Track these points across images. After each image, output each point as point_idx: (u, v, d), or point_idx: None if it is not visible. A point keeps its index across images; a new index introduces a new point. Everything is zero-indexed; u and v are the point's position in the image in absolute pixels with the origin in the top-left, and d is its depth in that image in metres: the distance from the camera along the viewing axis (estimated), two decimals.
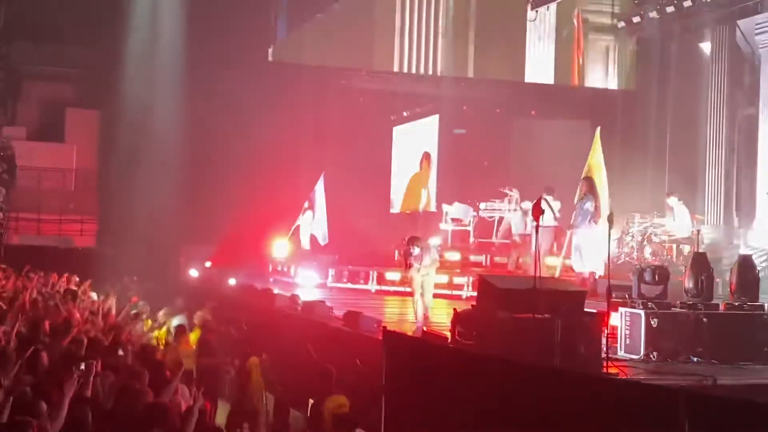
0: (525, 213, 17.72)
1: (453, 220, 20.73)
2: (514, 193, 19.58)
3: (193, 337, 12.88)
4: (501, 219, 19.65)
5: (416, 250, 12.39)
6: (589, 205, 13.79)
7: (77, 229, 25.11)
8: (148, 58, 22.33)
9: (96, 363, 7.07)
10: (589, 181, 14.11)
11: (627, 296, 10.22)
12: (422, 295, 12.51)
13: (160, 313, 14.58)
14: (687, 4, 21.48)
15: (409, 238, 12.81)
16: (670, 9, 22.10)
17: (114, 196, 23.19)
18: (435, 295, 15.70)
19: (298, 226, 20.45)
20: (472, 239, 19.98)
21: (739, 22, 21.16)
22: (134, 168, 22.14)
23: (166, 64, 21.90)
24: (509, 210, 19.42)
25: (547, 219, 15.42)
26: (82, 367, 6.82)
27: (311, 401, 9.76)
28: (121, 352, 9.03)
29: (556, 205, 15.91)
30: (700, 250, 14.08)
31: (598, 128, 14.88)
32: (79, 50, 24.79)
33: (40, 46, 25.25)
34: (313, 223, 20.08)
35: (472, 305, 9.96)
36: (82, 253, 22.99)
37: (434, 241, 16.59)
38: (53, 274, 16.62)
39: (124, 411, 6.26)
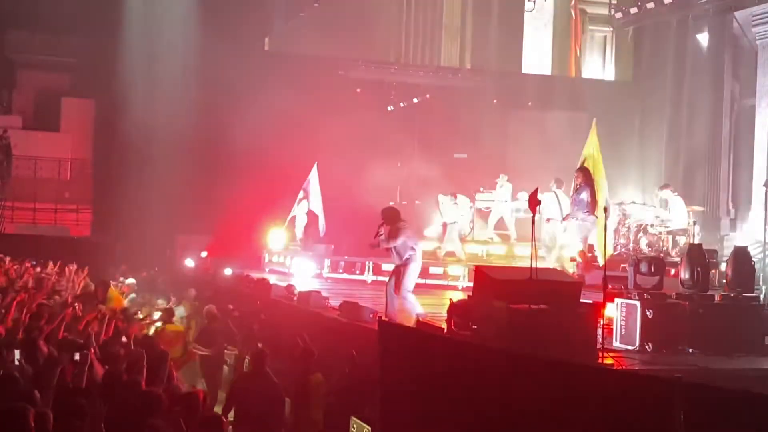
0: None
1: None
2: (507, 185, 19.63)
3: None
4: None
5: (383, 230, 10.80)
6: (584, 195, 13.73)
7: (72, 218, 25.08)
8: (144, 48, 22.27)
9: (91, 353, 7.06)
10: (585, 172, 14.07)
11: (623, 287, 10.22)
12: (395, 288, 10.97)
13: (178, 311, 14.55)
14: None
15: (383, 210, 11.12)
16: (667, 0, 22.10)
17: (109, 186, 23.16)
18: (431, 286, 15.74)
19: (294, 216, 20.47)
20: (468, 230, 19.98)
21: (736, 14, 21.17)
22: (130, 157, 22.10)
23: (162, 53, 21.84)
24: (504, 201, 19.50)
25: (555, 213, 15.40)
26: (77, 357, 6.82)
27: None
28: (124, 339, 9.04)
29: (565, 199, 15.79)
30: (696, 242, 14.10)
31: (594, 120, 14.83)
32: (75, 39, 24.72)
33: (35, 35, 25.18)
34: (311, 213, 20.19)
35: (468, 296, 9.97)
36: (77, 243, 22.98)
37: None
38: (50, 264, 16.61)
39: (118, 400, 6.25)
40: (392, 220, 11.01)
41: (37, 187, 24.79)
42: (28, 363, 7.37)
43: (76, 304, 11.26)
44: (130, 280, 18.01)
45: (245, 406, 9.40)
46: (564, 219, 14.35)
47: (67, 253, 18.41)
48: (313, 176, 19.93)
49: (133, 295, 16.57)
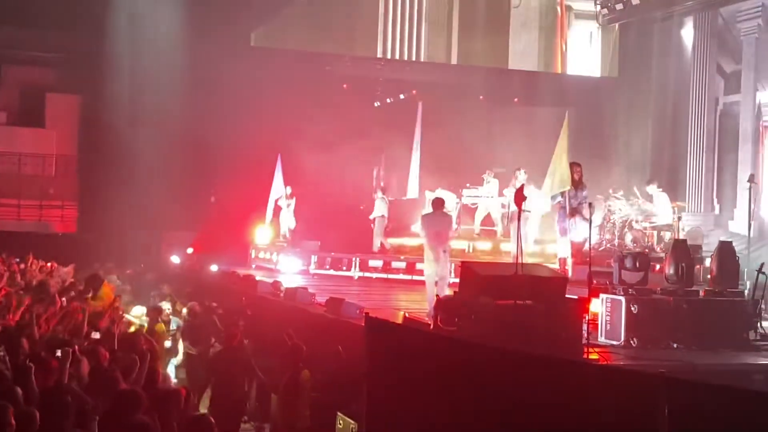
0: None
1: None
2: (494, 181, 19.67)
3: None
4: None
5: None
6: (586, 192, 13.59)
7: (57, 215, 24.96)
8: (129, 44, 22.15)
9: (73, 349, 7.02)
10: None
11: (608, 283, 10.26)
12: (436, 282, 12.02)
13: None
14: None
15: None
16: None
17: (95, 182, 23.05)
18: (415, 282, 15.76)
19: (280, 212, 20.53)
20: (455, 226, 19.98)
21: (722, 10, 21.25)
22: (115, 153, 22.00)
23: (147, 49, 21.73)
24: (490, 197, 19.53)
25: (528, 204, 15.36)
26: (59, 353, 6.78)
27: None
28: (96, 335, 8.96)
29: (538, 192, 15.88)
30: (681, 237, 14.14)
31: (567, 112, 14.51)
32: (60, 35, 24.56)
33: (20, 31, 24.98)
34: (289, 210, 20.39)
35: (455, 292, 9.98)
36: (62, 239, 22.88)
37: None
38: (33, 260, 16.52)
39: (101, 397, 6.22)
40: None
41: (22, 184, 24.67)
42: (10, 359, 7.33)
43: (63, 299, 11.22)
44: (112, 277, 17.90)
45: (218, 380, 10.04)
46: (571, 215, 13.46)
47: (52, 251, 18.32)
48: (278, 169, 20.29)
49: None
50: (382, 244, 19.25)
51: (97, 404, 6.02)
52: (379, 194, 20.07)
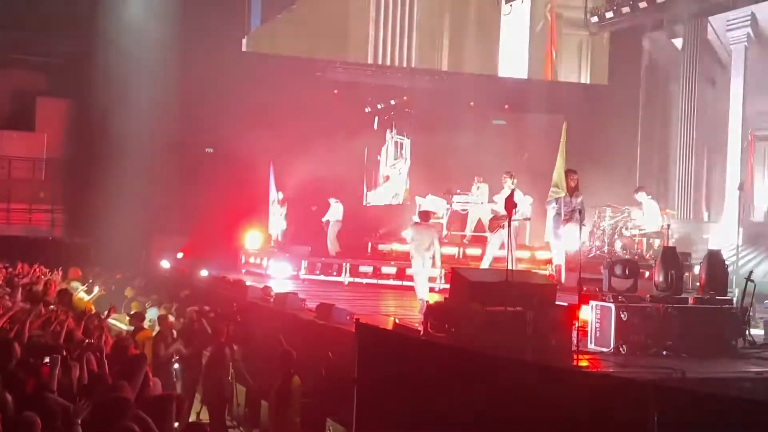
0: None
1: None
2: (484, 187, 19.70)
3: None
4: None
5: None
6: (581, 200, 13.61)
7: (47, 218, 24.86)
8: (120, 48, 22.12)
9: (61, 356, 6.99)
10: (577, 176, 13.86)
11: (597, 290, 10.28)
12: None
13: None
14: None
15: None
16: (642, 4, 22.30)
17: (85, 186, 22.97)
18: (405, 287, 15.78)
19: (272, 217, 20.50)
20: (445, 232, 20.02)
21: (711, 19, 21.37)
22: (105, 158, 21.95)
23: (139, 53, 21.71)
24: (480, 203, 19.55)
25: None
26: (47, 360, 6.76)
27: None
28: (86, 342, 8.93)
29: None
30: (670, 245, 14.18)
31: (565, 123, 14.61)
32: (51, 39, 24.48)
33: (10, 34, 24.91)
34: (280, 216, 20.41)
35: (445, 298, 9.99)
36: (51, 243, 22.80)
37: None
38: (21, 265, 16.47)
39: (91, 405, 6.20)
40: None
41: (12, 188, 24.56)
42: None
43: (51, 306, 11.18)
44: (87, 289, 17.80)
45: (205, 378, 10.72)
46: (565, 221, 13.45)
47: (41, 255, 18.25)
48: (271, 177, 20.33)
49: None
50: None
51: (82, 410, 5.99)
52: (333, 200, 20.14)
